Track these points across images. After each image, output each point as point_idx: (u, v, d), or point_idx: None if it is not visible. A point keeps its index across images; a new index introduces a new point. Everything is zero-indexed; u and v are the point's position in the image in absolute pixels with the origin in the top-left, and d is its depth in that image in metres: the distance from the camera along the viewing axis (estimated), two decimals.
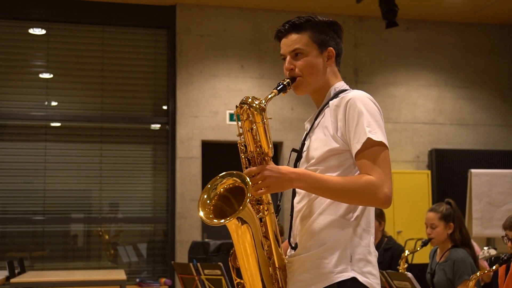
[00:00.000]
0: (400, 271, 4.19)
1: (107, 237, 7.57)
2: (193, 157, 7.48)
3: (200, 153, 7.50)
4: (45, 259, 7.33)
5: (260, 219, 2.04)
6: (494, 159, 8.14)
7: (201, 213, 1.99)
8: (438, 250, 4.11)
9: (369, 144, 1.93)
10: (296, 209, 2.11)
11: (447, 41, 8.44)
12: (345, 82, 2.19)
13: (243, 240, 2.02)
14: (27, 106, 7.47)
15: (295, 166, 2.13)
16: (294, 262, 2.05)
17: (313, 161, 2.04)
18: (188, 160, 7.46)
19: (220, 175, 2.04)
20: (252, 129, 1.97)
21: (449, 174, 8.02)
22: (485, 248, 4.82)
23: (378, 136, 1.94)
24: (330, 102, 2.07)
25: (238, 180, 2.00)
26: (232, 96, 7.57)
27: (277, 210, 2.18)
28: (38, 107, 7.48)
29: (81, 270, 6.96)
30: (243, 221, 1.98)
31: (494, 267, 3.35)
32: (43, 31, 7.54)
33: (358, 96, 2.00)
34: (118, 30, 7.73)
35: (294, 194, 2.14)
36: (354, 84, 7.83)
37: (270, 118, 2.04)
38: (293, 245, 2.08)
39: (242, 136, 2.01)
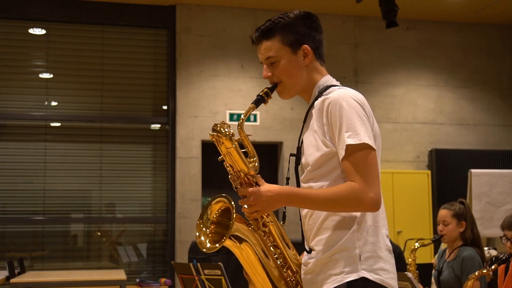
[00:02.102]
0: (409, 263, 4.23)
1: (105, 238, 7.57)
2: (193, 157, 7.48)
3: (200, 153, 7.50)
4: (45, 259, 7.33)
5: (264, 232, 2.08)
6: (494, 159, 8.14)
7: (202, 238, 2.08)
8: (447, 249, 4.14)
9: (351, 150, 1.92)
10: (302, 214, 2.13)
11: (447, 41, 8.44)
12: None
13: (247, 256, 2.08)
14: (27, 106, 7.47)
15: (296, 170, 2.15)
16: (308, 266, 2.08)
17: (309, 168, 2.05)
18: (188, 160, 7.46)
19: (209, 201, 2.12)
20: (229, 153, 2.01)
21: (449, 174, 8.01)
22: (485, 248, 4.82)
23: (360, 137, 1.92)
24: (315, 102, 2.06)
25: (226, 200, 2.08)
26: (232, 96, 7.58)
27: (284, 217, 2.21)
28: (38, 107, 7.48)
29: (81, 270, 6.96)
30: (239, 239, 2.04)
31: (493, 267, 3.36)
32: (43, 31, 7.54)
33: (338, 97, 1.97)
34: (118, 30, 7.73)
35: None
36: (354, 84, 7.83)
37: (250, 135, 2.07)
38: (308, 250, 2.10)
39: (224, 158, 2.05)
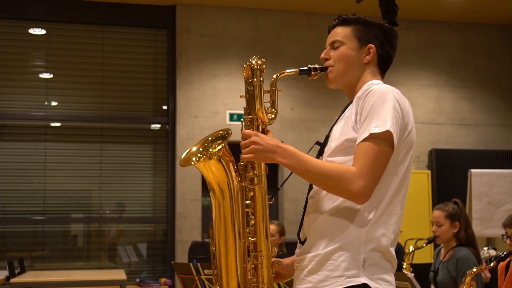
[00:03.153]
0: (405, 267, 4.22)
1: (106, 237, 7.57)
2: None
3: None
4: (45, 259, 7.33)
5: (247, 188, 2.00)
6: (494, 159, 8.14)
7: (194, 148, 2.07)
8: (442, 249, 4.13)
9: (371, 137, 1.85)
10: (309, 202, 2.03)
11: (447, 41, 8.44)
12: None
13: (220, 192, 1.99)
14: (27, 106, 7.47)
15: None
16: (302, 260, 1.98)
17: (330, 151, 1.98)
18: None
19: (209, 138, 2.09)
20: (253, 90, 1.99)
21: (449, 174, 8.01)
22: (485, 248, 4.82)
23: (386, 125, 1.84)
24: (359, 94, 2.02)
25: (221, 142, 2.03)
26: (232, 96, 7.57)
27: (275, 192, 2.12)
28: (38, 107, 7.48)
29: (81, 270, 6.96)
30: (221, 170, 1.97)
31: (491, 264, 3.36)
32: (43, 31, 7.54)
33: (379, 89, 1.93)
34: (118, 30, 7.73)
35: (310, 187, 2.04)
36: None
37: (280, 91, 2.02)
38: (302, 240, 2.01)
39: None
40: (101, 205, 7.56)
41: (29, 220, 7.31)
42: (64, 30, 7.64)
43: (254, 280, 1.99)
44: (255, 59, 2.01)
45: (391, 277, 1.93)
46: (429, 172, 8.04)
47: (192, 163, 2.01)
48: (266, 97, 2.03)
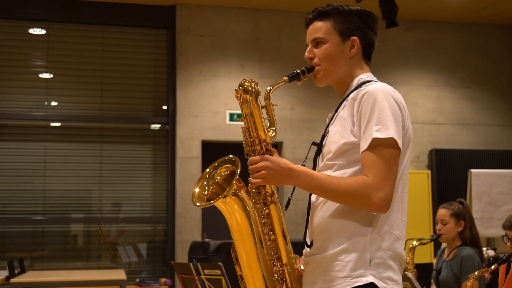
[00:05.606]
0: (408, 261, 4.24)
1: (101, 239, 7.57)
2: (193, 157, 7.48)
3: (200, 153, 7.50)
4: (45, 259, 7.33)
5: (262, 210, 1.97)
6: (494, 159, 8.14)
7: (197, 189, 2.00)
8: (446, 249, 4.14)
9: (375, 143, 1.83)
10: (313, 205, 2.02)
11: (447, 41, 8.44)
12: None
13: (238, 224, 1.98)
14: (27, 106, 7.47)
15: (315, 161, 2.07)
16: (309, 263, 1.98)
17: (330, 155, 1.96)
18: (188, 160, 7.46)
19: (215, 163, 2.04)
20: (251, 113, 1.92)
21: (449, 174, 8.01)
22: (484, 249, 4.82)
23: (389, 132, 1.82)
24: (352, 93, 1.98)
25: (230, 166, 2.01)
26: (232, 96, 7.54)
27: (287, 204, 2.12)
28: (38, 107, 7.48)
29: (81, 270, 6.96)
30: (237, 203, 1.95)
31: (493, 267, 3.37)
32: (43, 31, 7.54)
33: (375, 90, 1.89)
34: (118, 30, 7.73)
35: None
36: None
37: (275, 105, 1.98)
38: (308, 243, 2.00)
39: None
40: (101, 205, 7.56)
41: (29, 220, 7.31)
42: (64, 30, 7.64)
43: None
44: (248, 81, 1.92)
45: (398, 276, 1.91)
46: (429, 172, 8.04)
47: (213, 201, 1.98)
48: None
